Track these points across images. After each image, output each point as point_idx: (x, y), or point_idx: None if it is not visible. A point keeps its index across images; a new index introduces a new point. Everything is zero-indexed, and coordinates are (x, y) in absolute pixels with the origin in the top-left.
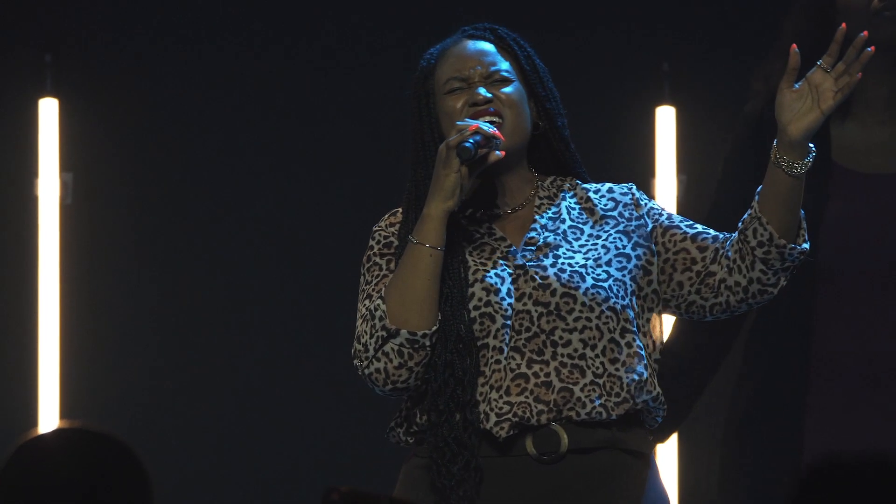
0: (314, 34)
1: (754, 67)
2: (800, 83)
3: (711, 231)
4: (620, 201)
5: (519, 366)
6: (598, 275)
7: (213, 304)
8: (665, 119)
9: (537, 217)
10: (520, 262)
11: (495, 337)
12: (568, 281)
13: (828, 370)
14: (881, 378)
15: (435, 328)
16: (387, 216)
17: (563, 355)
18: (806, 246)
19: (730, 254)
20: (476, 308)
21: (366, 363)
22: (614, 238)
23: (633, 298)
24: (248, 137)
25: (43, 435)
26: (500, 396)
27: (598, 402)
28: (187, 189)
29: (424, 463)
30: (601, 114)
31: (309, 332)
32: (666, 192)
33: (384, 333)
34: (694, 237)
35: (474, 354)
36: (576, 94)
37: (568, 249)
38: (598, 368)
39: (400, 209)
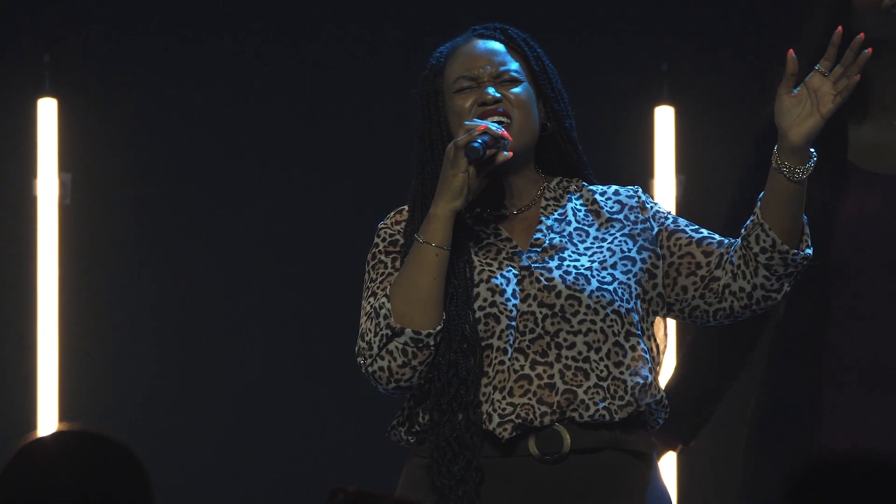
0: (314, 34)
1: (773, 69)
2: (798, 88)
3: (717, 236)
4: (626, 204)
5: (522, 367)
6: (604, 277)
7: (213, 304)
8: (664, 119)
9: (543, 218)
10: (525, 263)
11: (499, 338)
12: (573, 283)
13: (841, 370)
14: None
15: (439, 328)
16: (392, 214)
17: (567, 357)
18: (809, 251)
19: (734, 259)
20: (481, 308)
21: (369, 361)
22: (620, 241)
23: (638, 302)
24: (248, 137)
25: (42, 438)
26: (504, 397)
27: (601, 405)
28: (186, 189)
29: (426, 463)
30: (600, 114)
31: (309, 332)
32: (665, 192)
33: (388, 332)
34: (699, 241)
35: (478, 355)
36: (575, 94)
37: (573, 252)
38: (602, 371)
39: (406, 207)
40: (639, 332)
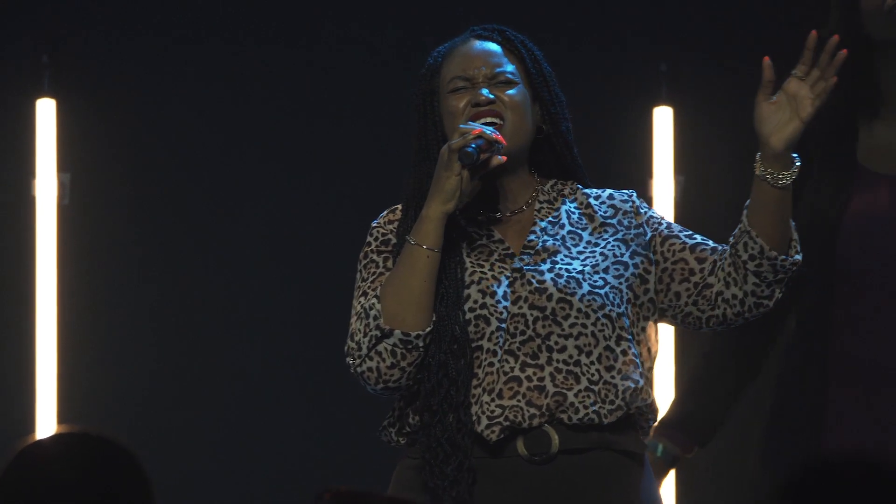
0: (314, 34)
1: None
2: (777, 94)
3: (710, 242)
4: (620, 209)
5: (512, 369)
6: (595, 281)
7: (212, 304)
8: (662, 120)
9: (537, 221)
10: (517, 265)
11: (489, 339)
12: (565, 286)
13: (848, 371)
14: None
15: (429, 329)
16: (385, 213)
17: (558, 361)
18: (798, 257)
19: (726, 266)
20: (471, 310)
21: (358, 361)
22: (612, 246)
23: (629, 307)
24: (248, 137)
25: (42, 440)
26: (493, 399)
27: (592, 409)
28: (185, 189)
29: (416, 464)
30: (599, 114)
31: (309, 332)
32: (663, 193)
33: (378, 333)
34: (693, 248)
35: (468, 356)
36: (574, 94)
37: (566, 255)
38: (593, 375)
39: (399, 206)
40: (630, 337)
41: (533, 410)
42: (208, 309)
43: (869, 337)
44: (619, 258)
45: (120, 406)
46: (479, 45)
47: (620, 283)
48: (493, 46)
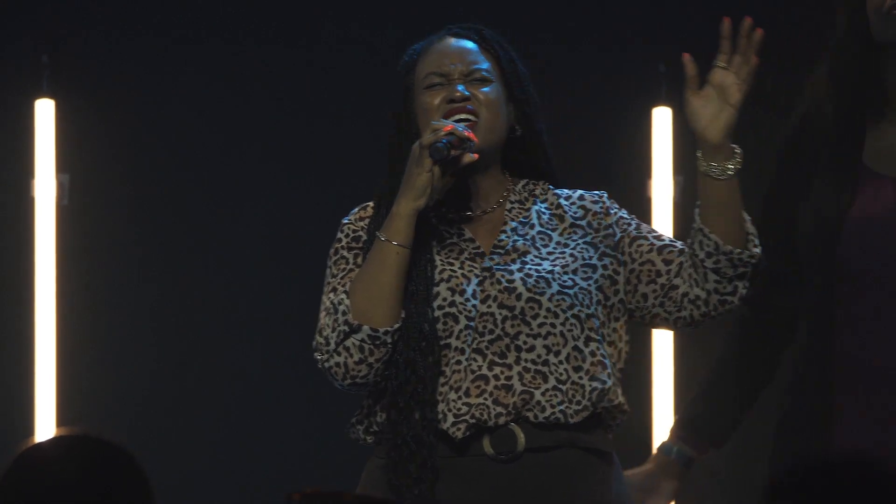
0: (314, 34)
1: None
2: (704, 88)
3: (679, 244)
4: (590, 209)
5: (480, 367)
6: (565, 282)
7: (212, 305)
8: (662, 120)
9: (508, 221)
10: (487, 264)
11: (458, 337)
12: (534, 286)
13: (847, 372)
14: None
15: (397, 326)
16: (357, 210)
17: (526, 360)
18: (757, 251)
19: (687, 267)
20: (440, 308)
21: (326, 356)
22: (582, 248)
23: (599, 308)
24: (248, 137)
25: (42, 442)
26: (459, 397)
27: (559, 408)
28: (185, 190)
29: (384, 463)
30: (598, 114)
31: (309, 333)
32: (662, 194)
33: (346, 328)
34: (661, 249)
35: (436, 353)
36: (572, 94)
37: (536, 255)
38: (561, 375)
39: (371, 203)
40: (599, 338)
41: (499, 409)
42: (208, 309)
43: (869, 337)
44: (588, 261)
45: (120, 406)
46: (455, 42)
47: (590, 285)
48: (470, 44)
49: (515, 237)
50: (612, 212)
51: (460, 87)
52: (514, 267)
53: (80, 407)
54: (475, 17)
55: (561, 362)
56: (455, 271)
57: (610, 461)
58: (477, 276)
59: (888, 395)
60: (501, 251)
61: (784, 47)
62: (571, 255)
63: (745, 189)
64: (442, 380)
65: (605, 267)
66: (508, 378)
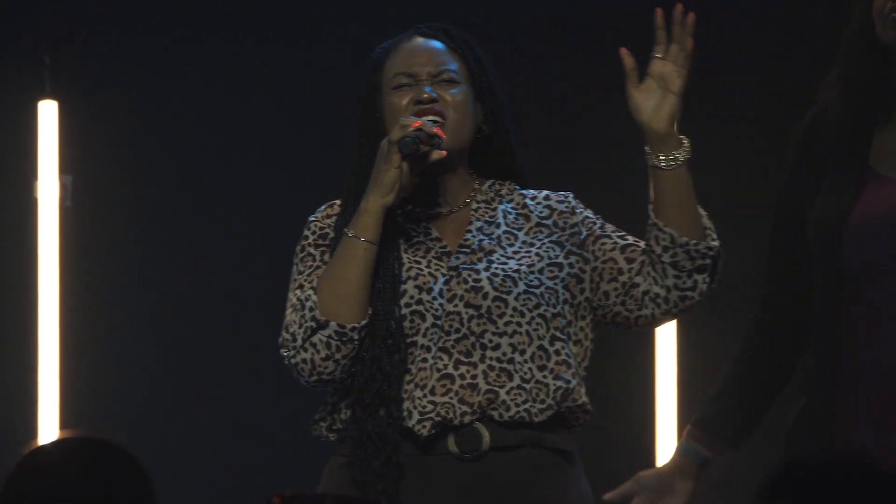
0: (314, 34)
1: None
2: (644, 80)
3: (642, 244)
4: (556, 209)
5: (446, 366)
6: (531, 281)
7: (214, 305)
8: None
9: (473, 220)
10: (453, 263)
11: (424, 336)
12: (500, 285)
13: (847, 371)
14: None
15: (364, 322)
16: (324, 208)
17: (491, 359)
18: (715, 243)
19: (647, 265)
20: (407, 305)
21: (293, 353)
22: (548, 247)
23: (566, 307)
24: (248, 137)
25: (45, 445)
26: (425, 395)
27: (523, 407)
28: (187, 191)
29: (346, 461)
30: (591, 114)
31: None
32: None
33: (313, 324)
34: (624, 248)
35: (403, 351)
36: (571, 95)
37: (502, 255)
38: (525, 374)
39: (338, 201)
40: (564, 337)
41: (464, 408)
42: (210, 309)
43: (869, 337)
44: (554, 260)
45: (121, 406)
46: (423, 42)
47: (556, 284)
48: (438, 45)
49: (481, 236)
50: (577, 211)
51: (427, 89)
52: (481, 266)
53: (82, 406)
54: (476, 18)
55: (526, 361)
56: (422, 269)
57: (573, 461)
58: (444, 274)
59: (888, 395)
60: (467, 250)
61: (782, 47)
62: (537, 254)
63: (743, 187)
64: (408, 377)
65: (571, 265)
66: (474, 377)
